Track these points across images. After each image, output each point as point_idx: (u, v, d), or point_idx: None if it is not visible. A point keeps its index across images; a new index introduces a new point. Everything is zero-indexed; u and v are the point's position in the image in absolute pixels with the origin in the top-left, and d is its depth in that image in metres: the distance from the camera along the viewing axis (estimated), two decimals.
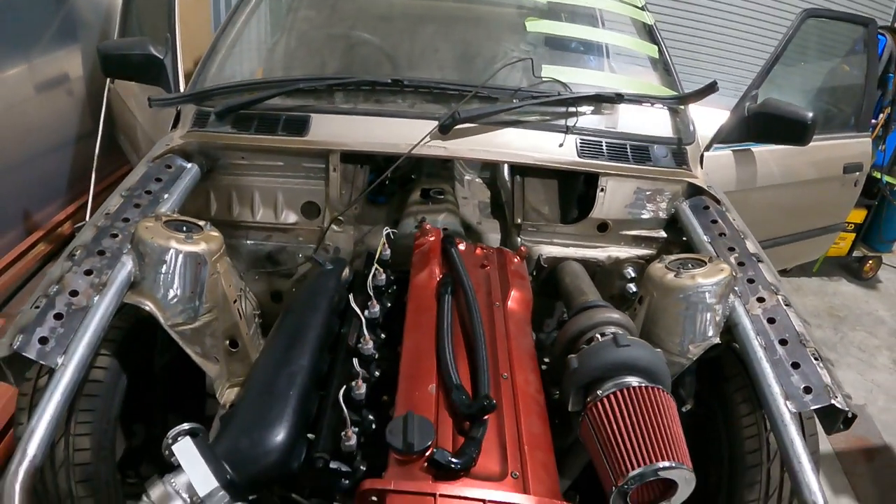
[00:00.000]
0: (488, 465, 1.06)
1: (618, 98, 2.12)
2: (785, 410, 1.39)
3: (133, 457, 1.76)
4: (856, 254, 4.69)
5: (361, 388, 1.25)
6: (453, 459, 1.00)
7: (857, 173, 3.34)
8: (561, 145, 1.97)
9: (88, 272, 1.43)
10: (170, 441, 1.01)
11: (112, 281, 1.40)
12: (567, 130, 1.99)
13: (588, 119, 2.06)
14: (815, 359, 1.51)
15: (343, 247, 2.07)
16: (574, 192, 2.12)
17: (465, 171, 2.52)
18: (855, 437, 3.17)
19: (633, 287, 2.08)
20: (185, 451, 0.99)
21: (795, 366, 1.49)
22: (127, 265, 1.44)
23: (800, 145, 2.30)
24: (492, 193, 2.47)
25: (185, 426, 1.03)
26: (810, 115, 2.22)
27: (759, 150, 2.83)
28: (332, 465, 1.15)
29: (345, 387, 1.24)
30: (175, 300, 1.46)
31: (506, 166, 2.19)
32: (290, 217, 2.03)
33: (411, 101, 2.02)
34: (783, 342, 1.55)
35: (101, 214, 1.64)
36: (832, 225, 3.54)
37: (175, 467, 1.01)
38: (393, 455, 1.05)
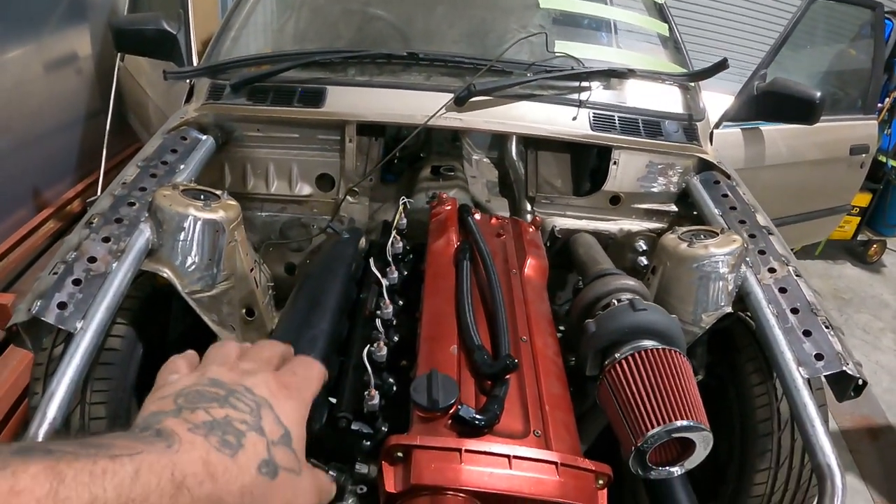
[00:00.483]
0: (511, 424, 1.07)
1: (630, 74, 2.13)
2: (797, 376, 1.40)
3: None
4: (860, 237, 4.70)
5: (382, 350, 1.26)
6: (477, 416, 1.01)
7: (864, 155, 3.35)
8: (574, 118, 1.99)
9: (106, 239, 1.44)
10: None
11: (130, 248, 1.41)
12: (580, 104, 2.00)
13: (601, 94, 2.08)
14: (826, 327, 1.52)
15: (358, 218, 2.08)
16: (587, 165, 2.14)
17: (474, 151, 2.54)
18: (860, 416, 3.20)
19: (644, 260, 2.10)
20: None
21: (807, 333, 1.50)
22: (145, 232, 1.44)
23: (807, 124, 2.32)
24: (500, 173, 2.48)
25: None
26: (818, 94, 2.23)
27: (767, 129, 2.84)
28: (354, 425, 1.16)
29: (367, 348, 1.25)
30: (193, 267, 1.47)
31: (514, 146, 2.22)
32: (305, 189, 2.04)
33: (427, 74, 2.03)
34: (794, 311, 1.56)
35: (117, 184, 1.65)
36: (838, 206, 3.55)
37: None
38: (416, 413, 1.06)
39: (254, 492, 0.51)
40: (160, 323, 1.66)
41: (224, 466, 0.49)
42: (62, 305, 1.30)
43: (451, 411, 1.04)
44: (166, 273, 1.45)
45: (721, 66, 2.11)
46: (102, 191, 2.47)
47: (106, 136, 2.97)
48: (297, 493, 0.57)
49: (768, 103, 2.34)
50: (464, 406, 1.02)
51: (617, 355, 1.29)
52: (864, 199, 4.46)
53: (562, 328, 1.67)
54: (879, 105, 4.13)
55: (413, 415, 1.08)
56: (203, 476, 0.47)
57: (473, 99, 1.93)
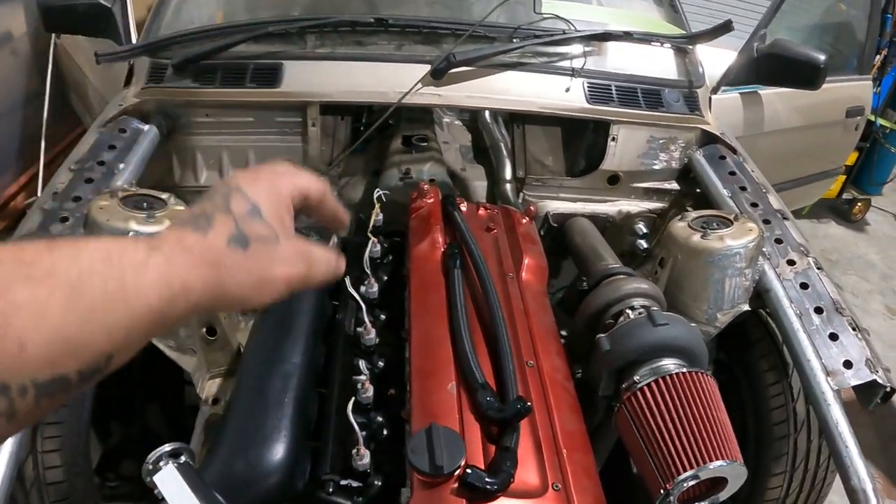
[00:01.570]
0: (525, 478, 0.91)
1: (626, 37, 1.93)
2: (827, 388, 1.28)
3: (111, 458, 1.59)
4: (845, 196, 4.59)
5: (369, 392, 1.08)
6: (489, 480, 0.85)
7: (859, 117, 3.20)
8: (568, 90, 1.79)
9: None
10: (150, 467, 0.82)
11: None
12: (573, 73, 1.80)
13: (595, 60, 1.87)
14: (853, 329, 1.40)
15: None
16: (581, 141, 1.95)
17: (444, 114, 2.33)
18: None
19: (643, 243, 1.95)
20: (169, 481, 0.80)
21: (833, 337, 1.39)
22: None
23: (811, 89, 2.16)
24: (473, 136, 2.28)
25: (167, 448, 0.84)
26: (822, 57, 2.07)
27: (765, 92, 2.67)
28: (343, 482, 0.99)
29: (353, 399, 1.07)
30: None
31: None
32: None
33: (398, 42, 1.80)
34: (818, 310, 1.44)
35: (48, 194, 1.42)
36: (832, 169, 3.42)
37: (159, 501, 0.83)
38: (417, 477, 0.88)
39: (227, 262, 0.55)
40: None
41: (197, 242, 0.55)
42: None
43: (456, 472, 0.87)
44: None
45: (725, 27, 1.92)
46: (44, 186, 2.23)
47: (44, 125, 2.66)
48: (273, 260, 0.60)
49: (769, 66, 2.16)
50: (473, 470, 0.85)
51: (636, 378, 1.13)
52: (850, 158, 4.34)
53: (563, 333, 1.50)
54: None
55: (412, 478, 0.90)
56: (177, 247, 0.53)
57: (453, 70, 1.71)
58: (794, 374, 1.52)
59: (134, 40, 1.85)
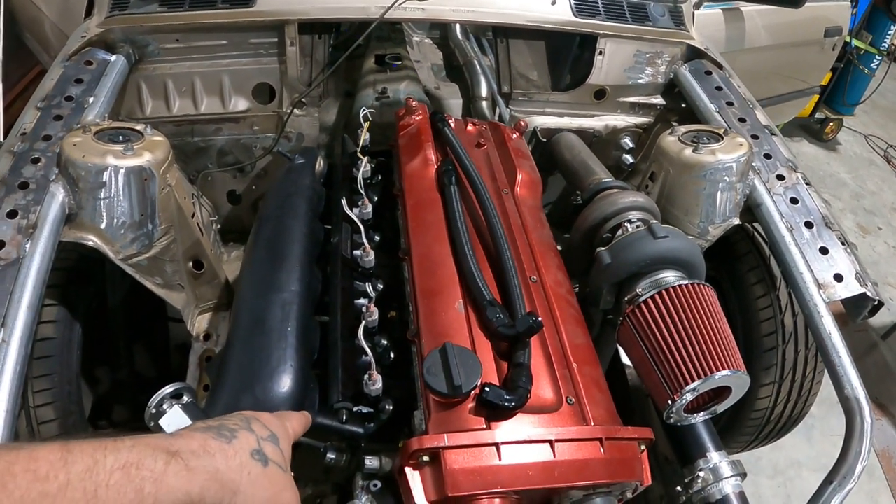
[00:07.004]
0: (540, 394, 0.91)
1: None
2: (820, 301, 1.30)
3: (102, 404, 1.57)
4: (818, 115, 4.61)
5: (374, 315, 1.06)
6: (507, 397, 0.84)
7: (836, 37, 3.19)
8: (554, 3, 1.74)
9: (12, 213, 1.16)
10: (153, 411, 0.80)
11: (43, 219, 1.14)
12: None
13: None
14: (843, 243, 1.42)
15: (307, 132, 1.80)
16: (566, 55, 1.91)
17: (414, 32, 2.26)
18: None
19: (629, 158, 1.95)
20: (175, 424, 0.78)
21: (824, 251, 1.40)
22: (57, 196, 1.17)
23: (793, 7, 2.14)
24: (444, 54, 2.23)
25: (168, 389, 0.81)
26: None
27: (746, 9, 2.63)
28: (354, 409, 0.98)
29: (363, 324, 1.04)
30: (123, 228, 1.22)
31: (458, 25, 1.94)
32: (241, 104, 1.74)
33: None
34: (809, 225, 1.45)
35: (15, 136, 1.34)
36: (808, 88, 3.42)
37: None
38: (433, 399, 0.88)
39: (251, 471, 0.61)
40: (95, 290, 1.42)
41: (221, 447, 0.60)
42: None
43: (473, 392, 0.87)
44: (93, 241, 1.20)
45: None
46: (5, 132, 2.11)
47: (0, 68, 2.48)
48: (285, 487, 0.66)
49: None
50: (491, 388, 0.85)
51: (639, 291, 1.13)
52: (824, 78, 4.33)
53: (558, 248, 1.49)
54: None
55: (428, 400, 0.90)
56: (200, 452, 0.57)
57: None
58: (782, 288, 1.55)
59: None
